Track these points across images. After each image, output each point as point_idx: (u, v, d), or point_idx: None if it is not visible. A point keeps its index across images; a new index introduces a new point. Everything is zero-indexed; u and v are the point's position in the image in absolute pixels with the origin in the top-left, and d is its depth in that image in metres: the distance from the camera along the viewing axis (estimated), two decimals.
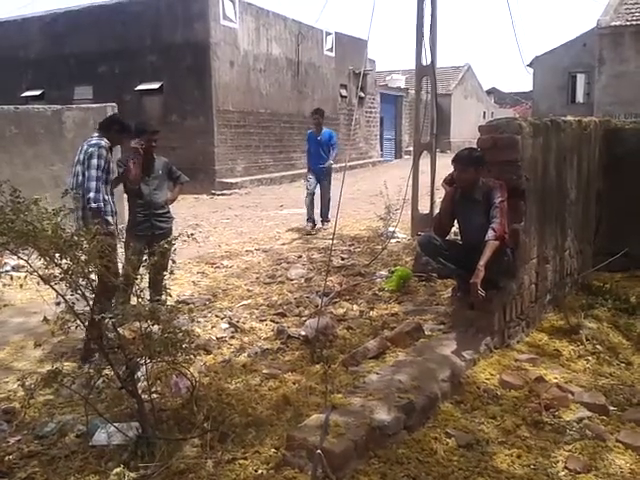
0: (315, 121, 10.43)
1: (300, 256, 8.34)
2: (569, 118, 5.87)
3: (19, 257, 3.13)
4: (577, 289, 6.06)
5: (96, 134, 5.18)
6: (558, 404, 3.76)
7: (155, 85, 18.01)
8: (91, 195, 4.89)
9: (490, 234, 4.29)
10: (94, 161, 4.92)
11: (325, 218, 10.46)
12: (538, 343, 4.85)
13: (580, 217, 6.11)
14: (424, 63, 9.10)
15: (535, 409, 3.71)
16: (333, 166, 10.69)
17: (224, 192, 17.21)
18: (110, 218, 5.03)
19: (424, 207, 9.27)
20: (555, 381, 4.10)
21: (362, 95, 25.42)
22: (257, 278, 7.26)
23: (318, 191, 10.52)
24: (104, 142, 5.04)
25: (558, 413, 3.69)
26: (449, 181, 4.66)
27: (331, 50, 23.70)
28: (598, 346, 4.75)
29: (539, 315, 5.26)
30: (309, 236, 9.89)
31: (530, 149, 4.85)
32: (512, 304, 4.78)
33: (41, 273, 3.12)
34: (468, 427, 3.50)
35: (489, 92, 47.25)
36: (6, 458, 3.34)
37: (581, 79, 27.66)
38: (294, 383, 4.15)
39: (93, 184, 4.90)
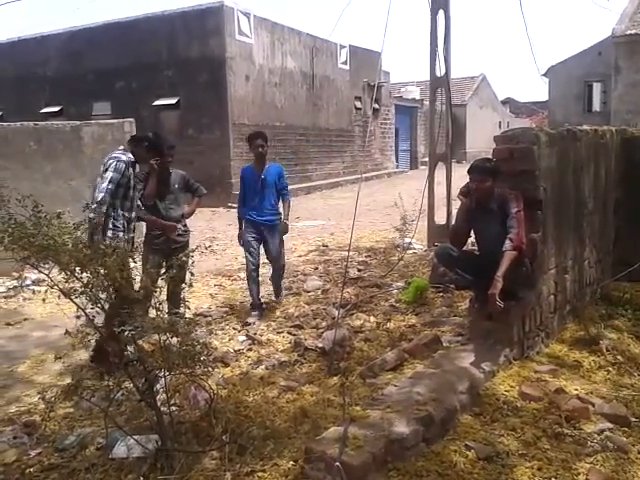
0: (257, 150, 6.26)
1: (316, 268, 8.36)
2: (585, 127, 5.84)
3: (40, 271, 3.17)
4: (597, 299, 5.99)
5: (121, 147, 5.16)
6: (579, 416, 3.71)
7: (172, 100, 18.21)
8: (93, 205, 4.79)
9: (507, 244, 4.27)
10: (109, 174, 4.84)
11: (279, 293, 6.78)
12: (558, 354, 4.80)
13: (598, 226, 6.06)
14: (438, 74, 9.12)
15: (555, 421, 3.66)
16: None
17: None
18: (121, 233, 4.90)
19: (440, 218, 9.24)
20: (575, 392, 4.05)
21: (377, 107, 25.50)
22: None
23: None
24: (125, 157, 4.97)
25: (579, 425, 3.65)
26: (465, 192, 4.65)
27: (345, 63, 23.83)
28: (619, 357, 4.69)
29: (558, 326, 5.21)
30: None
31: (546, 159, 4.84)
32: (531, 315, 4.74)
33: (62, 287, 3.17)
34: (488, 439, 3.47)
35: (504, 102, 47.08)
36: (27, 471, 3.38)
37: (597, 88, 27.50)
38: (312, 395, 4.15)
39: (100, 195, 4.80)
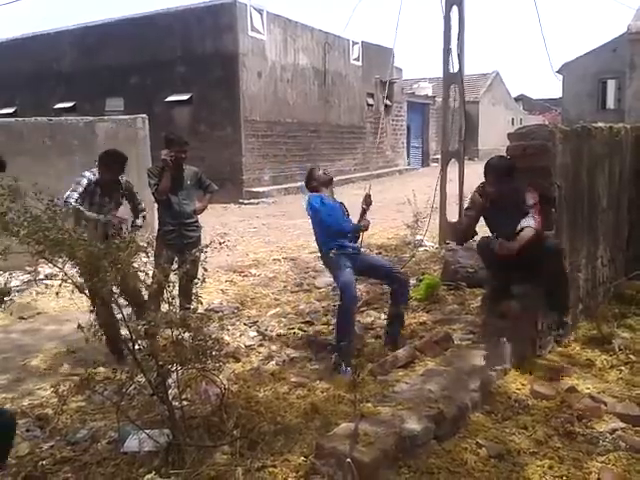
0: (327, 177, 5.29)
1: None
2: (600, 124, 5.80)
3: (55, 265, 3.19)
4: (610, 298, 5.96)
5: (94, 169, 5.36)
6: (591, 415, 3.69)
7: (185, 96, 18.26)
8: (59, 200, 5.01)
9: (530, 222, 4.24)
10: (78, 179, 5.23)
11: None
12: (570, 353, 4.78)
13: (612, 225, 6.01)
14: (452, 71, 9.08)
15: (567, 420, 3.65)
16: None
17: (251, 201, 17.34)
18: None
19: (452, 215, 9.21)
20: (588, 391, 4.03)
21: (389, 103, 25.39)
22: (284, 287, 7.28)
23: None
24: (89, 174, 5.26)
25: (591, 424, 3.63)
26: (481, 192, 4.59)
27: (357, 59, 23.78)
28: (631, 356, 4.66)
29: (571, 324, 5.18)
30: None
31: (561, 156, 4.80)
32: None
33: (75, 281, 3.18)
34: (499, 437, 3.46)
35: (518, 99, 46.78)
36: (40, 463, 3.40)
37: (611, 85, 27.30)
38: (322, 392, 4.15)
39: (66, 194, 5.11)
